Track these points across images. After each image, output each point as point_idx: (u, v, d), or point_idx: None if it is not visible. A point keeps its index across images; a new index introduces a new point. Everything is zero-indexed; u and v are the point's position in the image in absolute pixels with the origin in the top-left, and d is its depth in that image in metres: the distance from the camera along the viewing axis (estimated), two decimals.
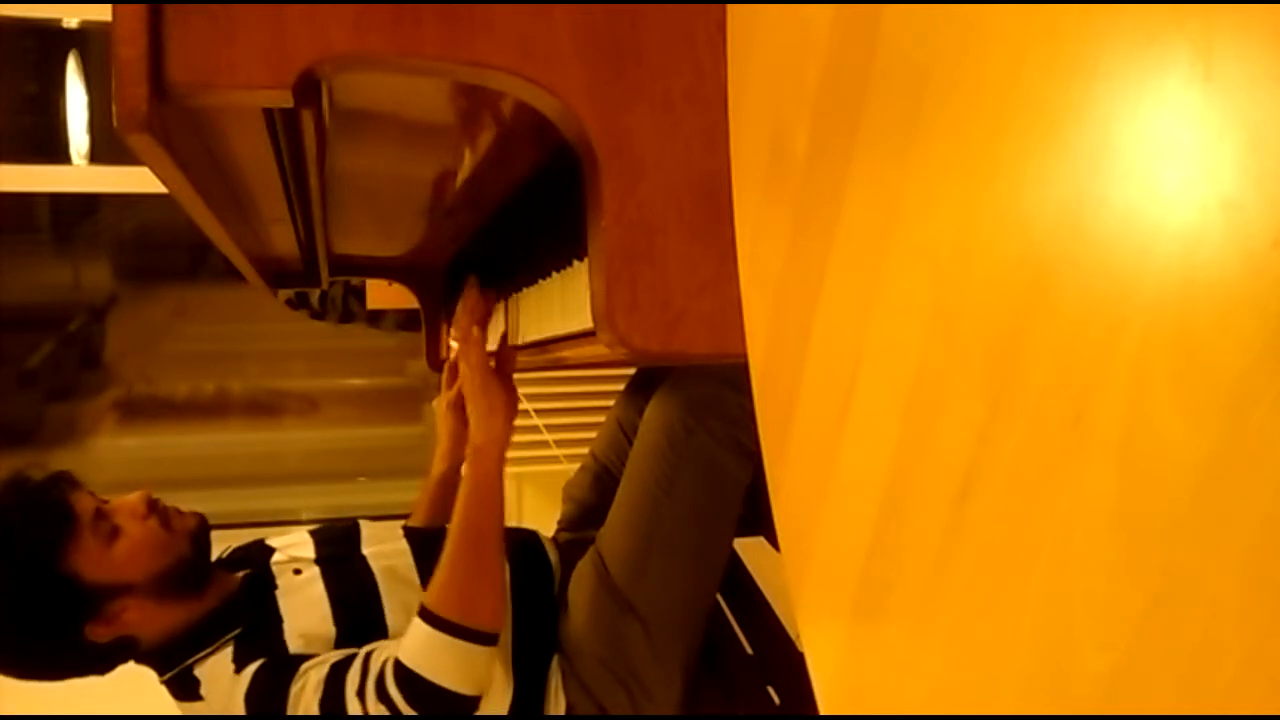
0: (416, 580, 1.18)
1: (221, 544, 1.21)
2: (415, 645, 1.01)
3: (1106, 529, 0.29)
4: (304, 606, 1.12)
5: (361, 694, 1.00)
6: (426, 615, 1.02)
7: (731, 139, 0.64)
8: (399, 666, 1.00)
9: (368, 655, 1.04)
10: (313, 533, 1.30)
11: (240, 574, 1.18)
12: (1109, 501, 0.29)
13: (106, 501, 1.09)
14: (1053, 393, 0.31)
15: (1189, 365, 0.26)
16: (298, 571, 1.18)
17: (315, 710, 1.01)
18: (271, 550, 1.25)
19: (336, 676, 1.03)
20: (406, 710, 0.98)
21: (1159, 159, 0.27)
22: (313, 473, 3.02)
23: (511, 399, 1.11)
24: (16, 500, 1.04)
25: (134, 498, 1.09)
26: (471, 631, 1.01)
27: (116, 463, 2.83)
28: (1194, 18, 0.26)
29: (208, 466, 2.86)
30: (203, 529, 1.13)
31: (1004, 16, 0.34)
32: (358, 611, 1.12)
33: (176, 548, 1.09)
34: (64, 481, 1.08)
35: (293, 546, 1.26)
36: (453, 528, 1.07)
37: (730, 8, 0.63)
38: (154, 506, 1.09)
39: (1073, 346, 0.30)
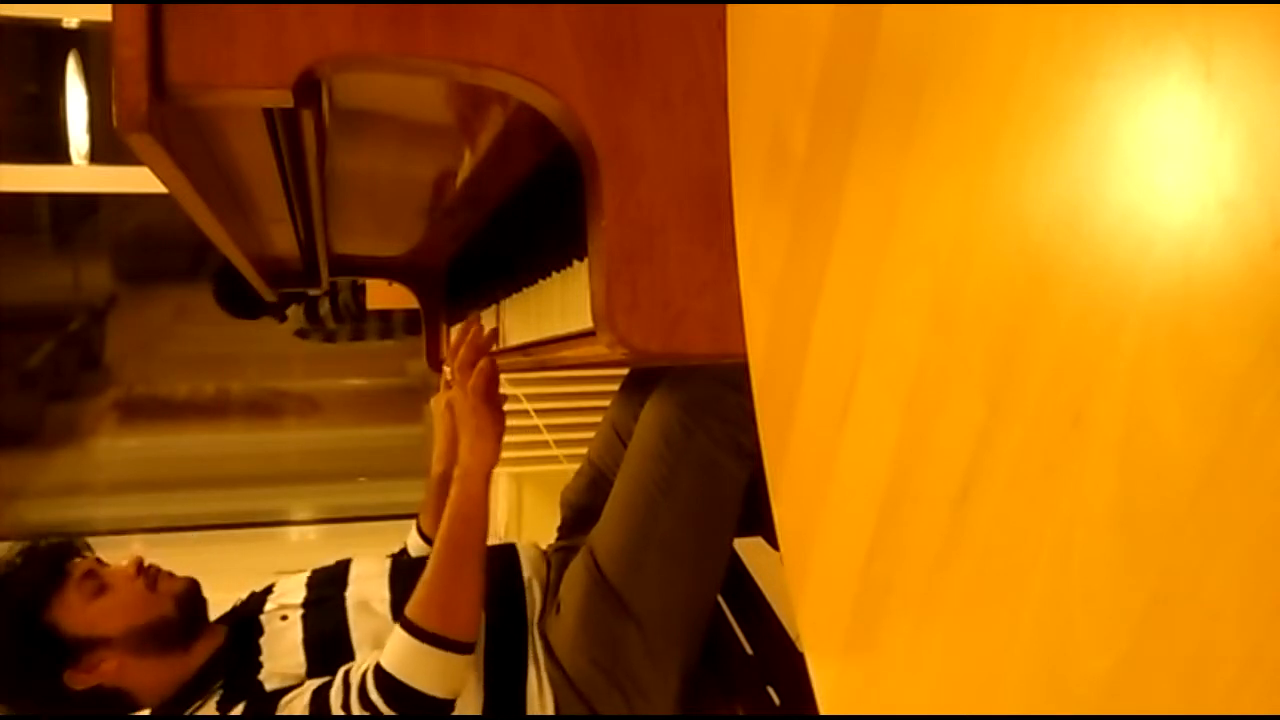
0: (386, 611, 1.24)
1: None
2: (396, 652, 1.06)
3: (1107, 528, 0.29)
4: (281, 650, 1.18)
5: (346, 706, 1.06)
6: (407, 625, 1.07)
7: (731, 137, 0.64)
8: (379, 672, 1.05)
9: (346, 672, 1.09)
10: (311, 575, 1.36)
11: (228, 627, 1.25)
12: (1109, 501, 0.29)
13: (104, 565, 1.20)
14: (1053, 392, 0.31)
15: (1189, 364, 0.26)
16: (284, 618, 1.24)
17: None
18: (266, 599, 1.31)
19: (319, 698, 1.08)
20: (387, 712, 1.04)
21: (1159, 158, 0.27)
22: (313, 473, 3.03)
23: (498, 421, 1.14)
24: (19, 558, 1.16)
25: (125, 561, 1.20)
26: (449, 641, 1.07)
27: (116, 463, 2.83)
28: (1194, 17, 0.26)
29: (208, 466, 2.86)
30: (191, 592, 1.21)
31: (1004, 15, 0.34)
32: (327, 650, 1.17)
33: (159, 607, 1.17)
34: (73, 548, 1.20)
35: (286, 594, 1.31)
36: (437, 543, 1.12)
37: (730, 6, 0.63)
38: (143, 570, 1.19)
39: (1073, 345, 0.30)
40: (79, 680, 1.12)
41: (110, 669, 1.13)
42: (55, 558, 1.16)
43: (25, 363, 2.79)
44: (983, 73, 0.35)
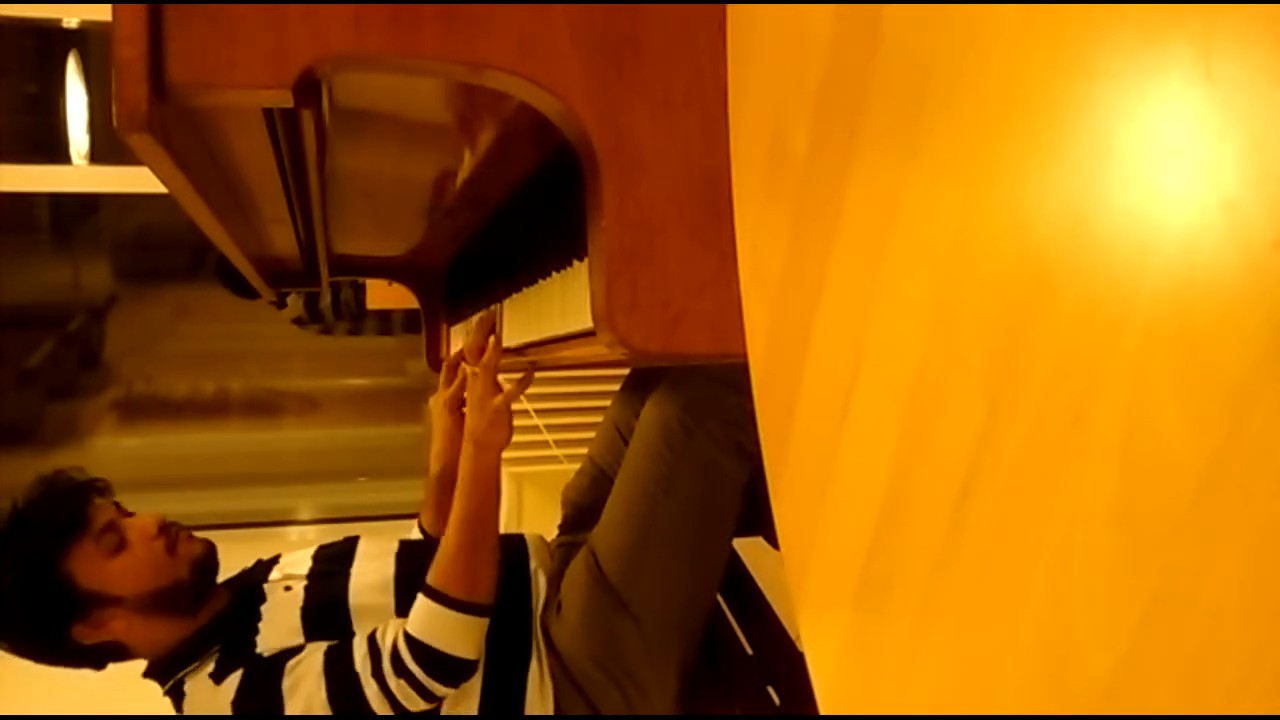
0: (391, 589, 1.24)
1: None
2: (423, 620, 1.09)
3: (1107, 529, 0.29)
4: (279, 619, 1.18)
5: (379, 674, 1.07)
6: (432, 593, 1.10)
7: (731, 138, 0.64)
8: (411, 640, 1.08)
9: (370, 638, 1.11)
10: (318, 549, 1.36)
11: (231, 591, 1.24)
12: (1110, 502, 0.29)
13: (127, 514, 1.17)
14: (1053, 393, 0.31)
15: (1190, 366, 0.26)
16: (288, 588, 1.24)
17: (322, 698, 1.07)
18: (271, 569, 1.31)
19: (339, 664, 1.09)
20: (424, 678, 1.07)
21: (1159, 159, 0.27)
22: (313, 473, 3.03)
23: (508, 409, 1.15)
24: (40, 496, 1.13)
25: (149, 517, 1.17)
26: (472, 605, 1.11)
27: (116, 462, 2.83)
28: (1195, 17, 0.26)
29: (208, 466, 2.86)
30: (208, 556, 1.20)
31: (1005, 16, 0.34)
32: (324, 623, 1.17)
33: (174, 571, 1.15)
34: (94, 489, 1.16)
35: (292, 564, 1.31)
36: (453, 517, 1.14)
37: (730, 6, 0.63)
38: (165, 530, 1.17)
39: (1073, 347, 0.30)
40: (86, 635, 1.11)
41: (118, 627, 1.12)
42: (76, 501, 1.12)
43: (25, 361, 2.80)
44: (984, 73, 0.35)
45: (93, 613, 1.10)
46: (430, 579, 1.11)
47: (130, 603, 1.12)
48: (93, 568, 1.10)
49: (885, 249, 0.43)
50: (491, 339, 1.14)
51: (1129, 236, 0.28)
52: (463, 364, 1.24)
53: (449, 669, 1.08)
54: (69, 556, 1.09)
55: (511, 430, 1.14)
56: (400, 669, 1.07)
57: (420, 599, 1.10)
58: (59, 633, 1.10)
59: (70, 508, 1.11)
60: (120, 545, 1.12)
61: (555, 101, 0.64)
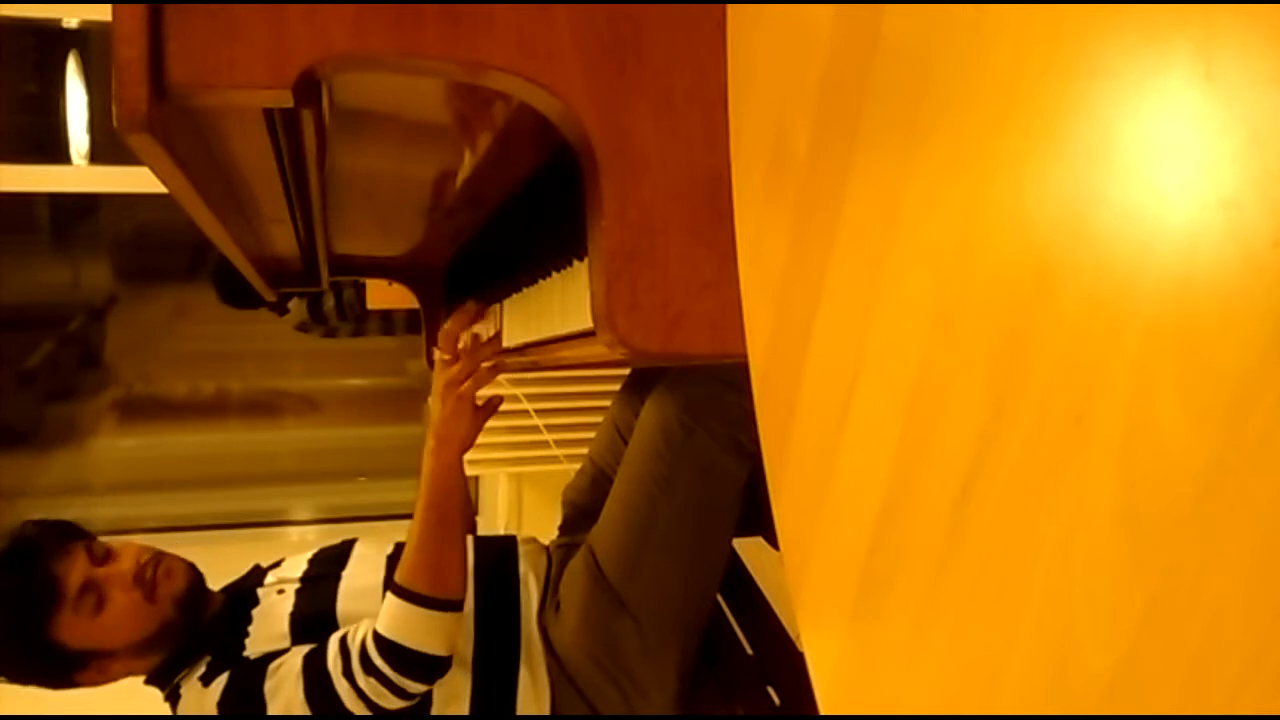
0: (380, 595, 1.24)
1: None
2: (391, 617, 1.09)
3: (1108, 529, 0.29)
4: (268, 623, 1.20)
5: (349, 673, 1.07)
6: (399, 591, 1.10)
7: (732, 139, 0.64)
8: (379, 639, 1.08)
9: (342, 638, 1.11)
10: (316, 552, 1.37)
11: (226, 596, 1.26)
12: (1111, 501, 0.29)
13: (102, 559, 1.15)
14: (1054, 393, 0.31)
15: (1191, 365, 0.26)
16: (280, 591, 1.26)
17: (300, 699, 1.08)
18: (269, 573, 1.32)
19: (314, 665, 1.09)
20: (395, 676, 1.07)
21: (1159, 158, 0.27)
22: (312, 473, 3.02)
23: (471, 399, 1.14)
24: (8, 566, 1.12)
25: (125, 560, 1.16)
26: (441, 601, 1.10)
27: (116, 463, 2.83)
28: (1195, 17, 0.26)
29: (207, 466, 2.86)
30: (191, 586, 1.20)
31: (1005, 16, 0.34)
32: (312, 627, 1.18)
33: (160, 615, 1.16)
34: (61, 540, 1.15)
35: (287, 568, 1.33)
36: (418, 513, 1.14)
37: (730, 7, 0.63)
38: (140, 576, 1.16)
39: (1074, 346, 0.30)
40: (90, 680, 1.14)
41: (119, 670, 1.15)
42: (46, 568, 1.11)
43: (24, 362, 2.79)
44: (984, 73, 0.35)
45: (91, 664, 1.13)
46: (397, 576, 1.11)
47: (124, 651, 1.14)
48: (78, 632, 1.11)
49: (886, 249, 0.43)
50: (491, 335, 1.14)
51: (1129, 235, 0.28)
52: (435, 351, 1.24)
53: (419, 666, 1.08)
54: (52, 627, 1.10)
55: (475, 426, 1.12)
56: (369, 667, 1.07)
57: (388, 596, 1.10)
58: (64, 684, 1.14)
59: (41, 578, 1.10)
60: (100, 602, 1.12)
61: (556, 102, 0.64)
